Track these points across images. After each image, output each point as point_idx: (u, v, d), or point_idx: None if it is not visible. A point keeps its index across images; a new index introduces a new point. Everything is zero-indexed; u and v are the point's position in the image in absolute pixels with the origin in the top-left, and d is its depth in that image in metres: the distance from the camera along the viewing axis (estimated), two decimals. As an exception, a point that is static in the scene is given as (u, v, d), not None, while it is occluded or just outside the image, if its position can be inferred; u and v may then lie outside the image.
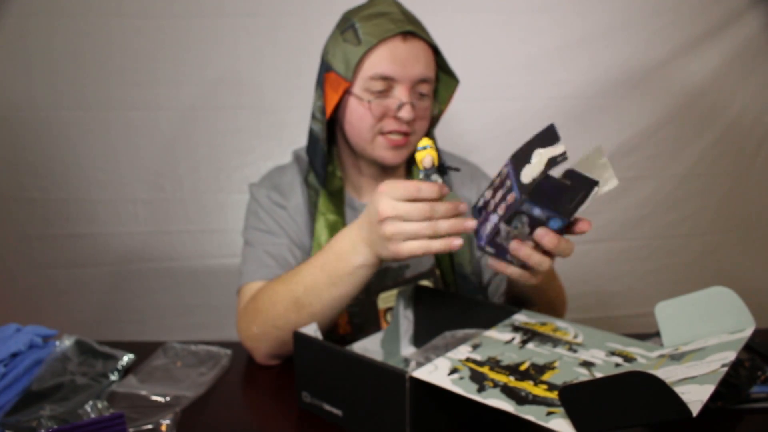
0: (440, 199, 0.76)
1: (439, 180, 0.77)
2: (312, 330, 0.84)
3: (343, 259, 0.85)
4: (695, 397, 0.51)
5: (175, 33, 1.76)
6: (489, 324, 0.82)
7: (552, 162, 0.71)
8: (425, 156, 0.77)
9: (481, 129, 1.89)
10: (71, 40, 1.74)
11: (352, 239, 0.84)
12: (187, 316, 1.90)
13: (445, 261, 1.11)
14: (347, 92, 1.02)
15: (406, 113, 0.99)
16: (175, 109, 1.81)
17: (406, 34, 0.99)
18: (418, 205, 0.74)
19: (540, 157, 0.72)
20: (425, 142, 0.78)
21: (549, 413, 0.56)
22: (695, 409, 0.49)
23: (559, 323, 0.81)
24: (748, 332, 0.65)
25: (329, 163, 1.12)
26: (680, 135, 1.96)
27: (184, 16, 1.75)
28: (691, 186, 2.00)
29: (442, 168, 0.80)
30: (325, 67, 1.05)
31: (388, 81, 0.99)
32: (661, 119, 1.93)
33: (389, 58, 0.98)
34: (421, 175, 0.78)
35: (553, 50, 1.86)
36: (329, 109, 1.04)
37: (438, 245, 0.76)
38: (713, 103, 1.93)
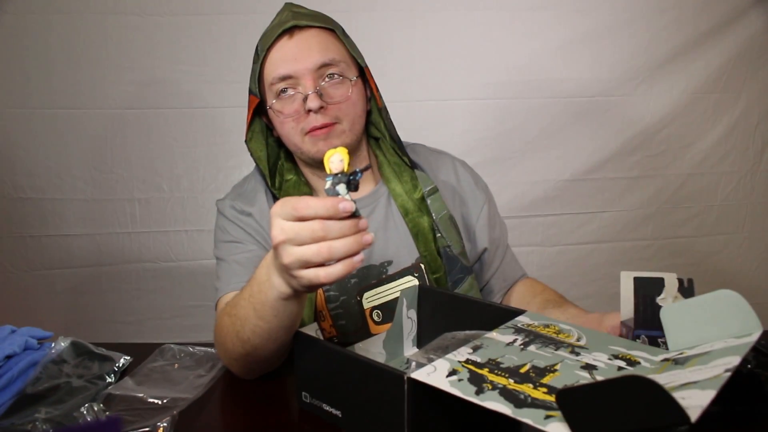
0: (341, 216, 0.64)
1: (346, 194, 0.65)
2: (312, 330, 0.84)
3: (262, 291, 0.76)
4: (696, 402, 0.50)
5: (173, 31, 1.76)
6: (492, 325, 0.81)
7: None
8: (334, 154, 0.65)
9: (482, 128, 1.88)
10: (67, 38, 1.74)
11: (268, 269, 0.75)
12: (184, 318, 1.90)
13: (429, 249, 1.09)
14: (261, 108, 1.05)
15: (311, 103, 0.97)
16: (173, 107, 1.81)
17: (292, 30, 0.99)
18: (307, 225, 0.64)
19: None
20: (339, 149, 0.67)
21: (547, 416, 0.55)
22: (694, 415, 0.48)
23: (563, 326, 0.80)
24: (755, 336, 0.63)
25: (290, 172, 1.12)
26: (684, 134, 1.95)
27: (181, 13, 1.75)
28: (696, 186, 1.99)
29: (352, 179, 0.66)
30: (248, 93, 1.08)
31: (289, 80, 0.99)
32: (665, 118, 1.93)
33: (280, 59, 1.00)
34: (327, 183, 0.66)
35: (555, 48, 1.85)
36: (246, 128, 1.07)
37: (339, 269, 0.65)
38: (717, 102, 1.92)
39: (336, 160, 0.64)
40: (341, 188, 0.65)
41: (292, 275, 0.68)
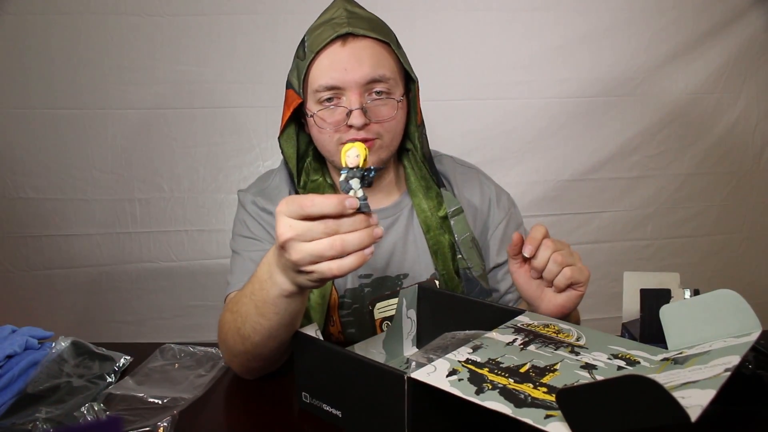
0: (346, 213, 0.65)
1: (359, 190, 0.66)
2: (312, 330, 0.84)
3: (264, 288, 0.76)
4: (695, 401, 0.50)
5: (173, 31, 1.76)
6: (492, 325, 0.81)
7: None
8: (351, 149, 0.66)
9: (482, 129, 1.88)
10: (68, 38, 1.74)
11: (270, 266, 0.75)
12: (184, 317, 1.90)
13: (447, 268, 1.09)
14: (302, 107, 1.02)
15: (355, 120, 0.95)
16: (173, 107, 1.81)
17: (346, 37, 0.95)
18: (319, 222, 0.65)
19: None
20: (357, 144, 0.68)
21: (547, 416, 0.55)
22: (694, 414, 0.48)
23: (563, 325, 0.80)
24: (754, 336, 0.64)
25: (317, 173, 1.10)
26: (683, 134, 1.95)
27: (182, 13, 1.75)
28: (695, 185, 1.99)
29: (366, 175, 0.67)
30: (287, 85, 1.04)
31: (336, 90, 0.96)
32: (664, 118, 1.93)
33: (329, 67, 0.96)
34: (342, 176, 0.67)
35: (555, 49, 1.86)
36: (282, 125, 1.04)
37: (351, 262, 0.66)
38: (717, 102, 1.92)
39: (352, 154, 0.65)
40: (355, 182, 0.66)
41: (303, 271, 0.68)
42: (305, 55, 0.99)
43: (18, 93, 1.77)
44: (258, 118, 1.82)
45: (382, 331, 1.08)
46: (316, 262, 0.66)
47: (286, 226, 0.66)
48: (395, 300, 1.08)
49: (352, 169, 0.66)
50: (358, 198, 0.65)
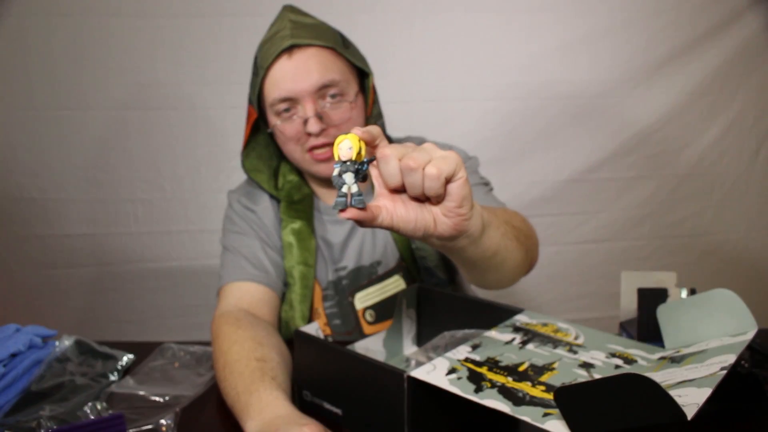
0: None
1: (353, 183, 0.59)
2: (313, 329, 0.84)
3: (241, 419, 0.76)
4: (692, 400, 0.51)
5: (175, 32, 1.76)
6: (490, 324, 0.82)
7: None
8: (344, 141, 0.59)
9: (481, 129, 1.89)
10: (70, 40, 1.75)
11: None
12: (187, 316, 1.91)
13: (406, 255, 1.12)
14: (258, 121, 1.06)
15: (312, 128, 0.98)
16: (175, 108, 1.81)
17: (291, 49, 0.98)
18: None
19: None
20: (350, 135, 0.60)
21: (545, 414, 0.56)
22: (690, 413, 0.49)
23: (561, 324, 0.81)
24: (750, 335, 0.64)
25: (292, 173, 1.14)
26: (681, 135, 1.95)
27: (183, 15, 1.75)
28: (692, 186, 1.99)
29: (360, 168, 0.59)
30: (248, 101, 1.08)
31: (290, 101, 0.99)
32: (662, 119, 1.93)
33: (280, 80, 0.99)
34: (335, 170, 0.60)
35: (553, 50, 1.86)
36: (244, 140, 1.08)
37: None
38: (714, 103, 1.93)
39: (345, 146, 0.59)
40: (348, 177, 0.59)
41: None
42: (258, 72, 1.02)
43: (21, 94, 1.77)
44: (259, 118, 1.82)
45: (365, 320, 1.11)
46: None
47: None
48: (374, 288, 1.12)
49: (345, 162, 0.59)
50: (352, 194, 0.59)
